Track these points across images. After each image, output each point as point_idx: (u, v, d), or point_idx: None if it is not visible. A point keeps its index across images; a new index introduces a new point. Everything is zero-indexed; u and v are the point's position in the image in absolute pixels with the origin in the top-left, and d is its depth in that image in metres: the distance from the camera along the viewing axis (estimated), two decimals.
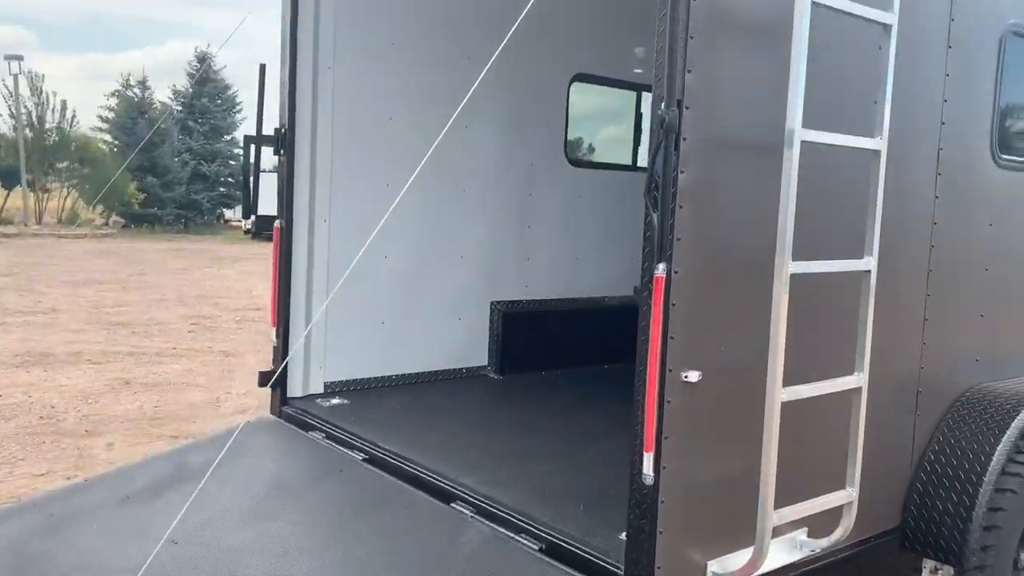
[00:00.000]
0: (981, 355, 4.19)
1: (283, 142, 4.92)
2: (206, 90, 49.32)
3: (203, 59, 49.99)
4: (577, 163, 6.45)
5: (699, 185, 2.84)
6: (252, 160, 5.02)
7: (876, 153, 3.12)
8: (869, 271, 3.14)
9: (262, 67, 4.92)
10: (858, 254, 3.18)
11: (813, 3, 2.78)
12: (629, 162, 6.92)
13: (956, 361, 4.06)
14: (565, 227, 6.38)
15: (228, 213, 53.91)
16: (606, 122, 7.24)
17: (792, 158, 2.79)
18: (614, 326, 6.51)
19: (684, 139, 2.77)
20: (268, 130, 4.97)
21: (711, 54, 2.85)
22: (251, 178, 5.06)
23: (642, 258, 2.84)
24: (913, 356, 3.82)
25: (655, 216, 2.72)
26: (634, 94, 6.88)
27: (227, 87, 50.20)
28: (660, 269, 2.75)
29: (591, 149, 6.83)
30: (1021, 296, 4.37)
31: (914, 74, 3.55)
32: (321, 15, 4.98)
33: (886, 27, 3.10)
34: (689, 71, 2.77)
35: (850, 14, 2.98)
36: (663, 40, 2.74)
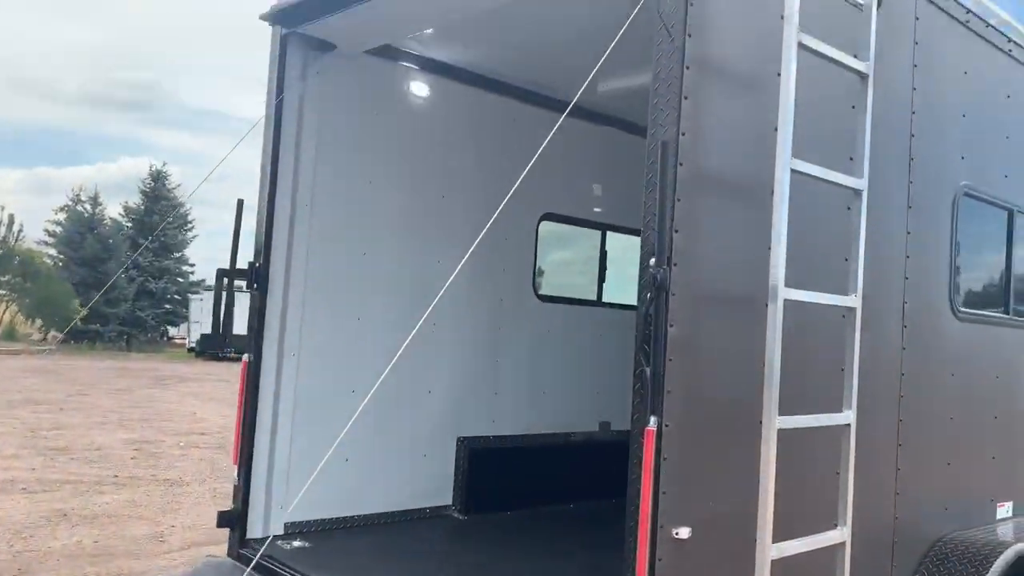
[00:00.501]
0: (950, 503, 4.24)
1: (256, 276, 4.92)
2: (159, 207, 49.39)
3: (157, 177, 50.24)
4: (545, 298, 6.54)
5: (688, 338, 2.90)
6: (225, 293, 4.99)
7: (851, 310, 3.24)
8: (849, 424, 3.20)
9: (239, 201, 4.97)
10: (836, 406, 3.24)
11: (792, 169, 2.94)
12: (595, 297, 7.04)
13: (928, 510, 4.10)
14: (532, 361, 6.40)
15: (173, 330, 53.00)
16: (572, 258, 7.39)
17: (776, 313, 2.89)
18: (579, 464, 6.48)
19: (673, 294, 2.84)
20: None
21: (696, 215, 2.97)
22: (222, 311, 5.01)
23: (631, 411, 2.86)
24: (889, 506, 3.85)
25: (647, 370, 2.75)
26: (599, 232, 7.06)
27: (180, 205, 50.36)
28: (652, 422, 2.77)
29: (558, 285, 6.94)
30: (983, 445, 4.47)
31: (879, 232, 3.72)
32: (302, 153, 5.08)
33: (856, 191, 3.27)
34: (676, 231, 2.88)
35: (824, 180, 3.15)
36: (652, 200, 2.86)
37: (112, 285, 44.16)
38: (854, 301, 3.22)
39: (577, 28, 5.09)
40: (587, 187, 6.86)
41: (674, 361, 2.83)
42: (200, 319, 40.89)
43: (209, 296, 44.56)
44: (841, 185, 3.23)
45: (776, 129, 2.95)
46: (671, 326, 2.83)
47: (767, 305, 2.92)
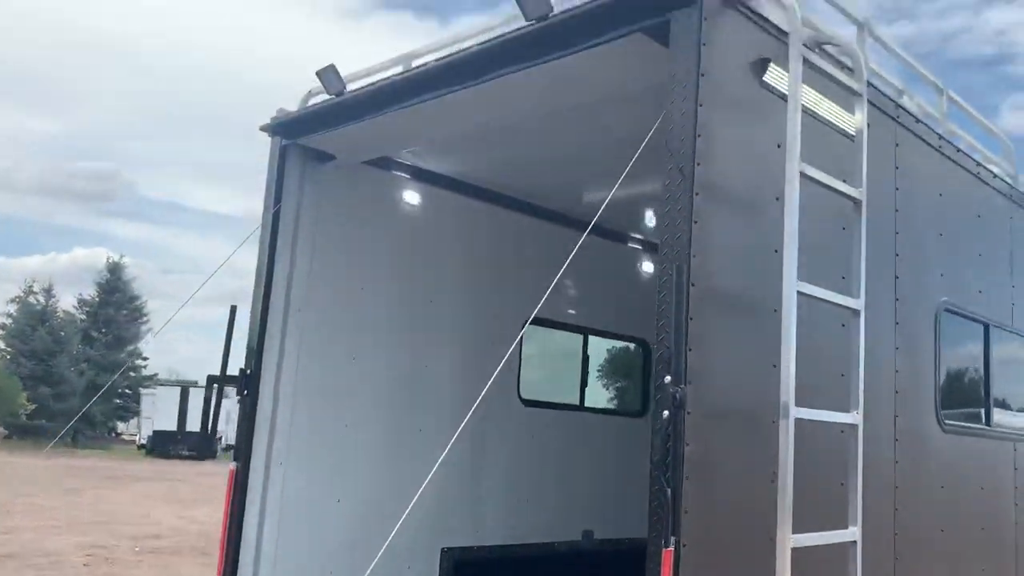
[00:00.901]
0: None
1: (247, 383, 4.88)
2: (113, 299, 48.63)
3: (114, 269, 49.64)
4: (529, 403, 6.55)
5: (703, 456, 2.94)
6: (214, 402, 4.93)
7: (853, 426, 3.32)
8: (855, 541, 3.24)
9: (233, 308, 4.98)
10: (841, 522, 3.28)
11: (798, 292, 3.06)
12: (577, 402, 7.07)
13: None
14: (517, 468, 6.36)
15: (122, 426, 51.46)
16: (555, 363, 7.44)
17: (787, 430, 2.95)
18: (563, 574, 6.38)
19: (688, 412, 2.90)
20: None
21: (708, 333, 3.05)
22: (210, 419, 4.95)
23: (648, 530, 2.87)
24: None
25: (669, 491, 2.77)
26: (581, 337, 7.15)
27: (135, 297, 49.72)
28: (671, 543, 2.78)
29: (543, 390, 6.97)
30: (973, 556, 4.53)
31: (872, 349, 3.84)
32: (297, 259, 5.12)
33: (855, 311, 3.40)
34: (690, 349, 2.96)
35: (826, 300, 3.28)
36: (666, 319, 2.94)
37: (60, 379, 43.06)
38: (855, 418, 3.31)
39: (567, 143, 5.30)
40: (570, 292, 6.97)
41: (691, 480, 2.87)
42: (152, 415, 39.80)
43: (164, 391, 43.75)
44: (841, 305, 3.35)
45: (777, 251, 3.09)
46: (687, 444, 2.87)
47: (774, 422, 2.98)
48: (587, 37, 3.50)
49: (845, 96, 3.62)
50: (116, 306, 47.97)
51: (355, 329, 5.45)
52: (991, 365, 4.90)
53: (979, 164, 4.97)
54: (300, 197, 5.13)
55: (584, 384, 7.11)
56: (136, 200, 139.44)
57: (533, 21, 3.57)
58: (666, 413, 2.84)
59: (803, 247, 3.20)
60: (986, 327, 4.87)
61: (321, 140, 5.02)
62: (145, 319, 50.30)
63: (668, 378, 2.88)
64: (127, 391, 47.75)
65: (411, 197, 5.83)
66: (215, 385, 4.97)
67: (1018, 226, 5.27)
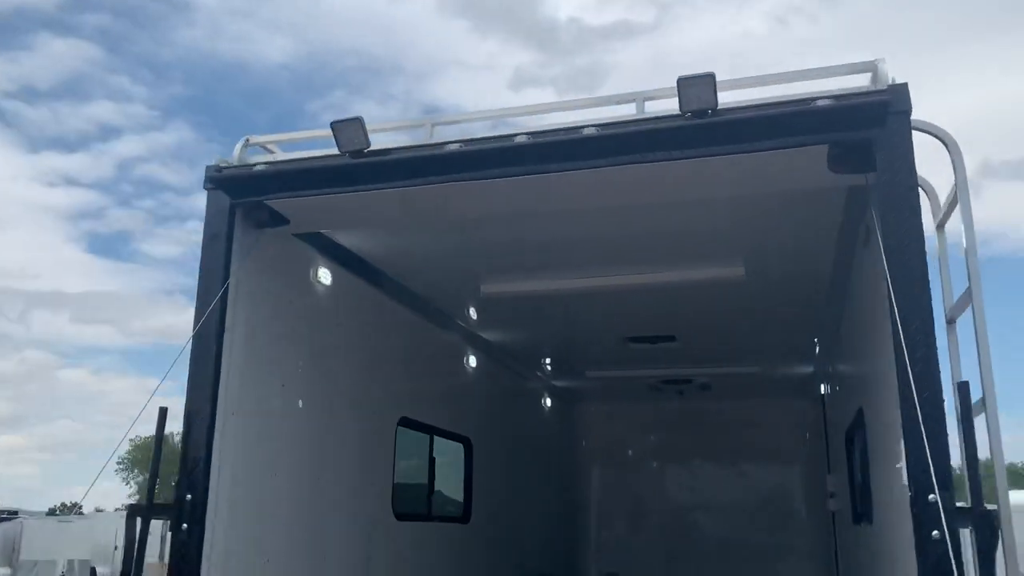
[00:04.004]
0: None
1: (190, 513, 3.65)
2: None
3: None
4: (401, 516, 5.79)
5: None
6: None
7: None
8: None
9: (162, 410, 3.72)
10: None
11: None
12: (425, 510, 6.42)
13: None
14: None
15: None
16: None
17: None
18: None
19: None
20: None
21: None
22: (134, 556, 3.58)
23: None
24: None
25: None
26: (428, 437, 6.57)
27: None
28: None
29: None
30: None
31: None
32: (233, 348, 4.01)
33: None
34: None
35: None
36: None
37: None
38: None
39: None
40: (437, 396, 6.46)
41: None
42: None
43: None
44: None
45: None
46: None
47: None
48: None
49: None
50: None
51: (276, 437, 4.41)
52: None
53: None
54: (240, 270, 4.07)
55: (431, 490, 6.50)
56: None
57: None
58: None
59: None
60: None
61: (284, 201, 4.07)
62: None
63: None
64: None
65: (325, 276, 4.95)
66: (138, 518, 3.62)
67: None
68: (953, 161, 3.30)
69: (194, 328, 3.86)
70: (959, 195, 3.27)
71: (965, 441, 2.86)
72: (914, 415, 2.91)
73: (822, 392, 8.49)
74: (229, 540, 3.88)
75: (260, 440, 4.21)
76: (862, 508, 5.39)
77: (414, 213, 4.13)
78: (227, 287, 3.90)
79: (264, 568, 4.22)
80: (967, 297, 3.19)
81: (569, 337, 7.49)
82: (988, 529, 2.73)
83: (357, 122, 3.71)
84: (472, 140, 3.70)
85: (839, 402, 7.04)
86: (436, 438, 6.52)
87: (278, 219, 4.18)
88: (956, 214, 3.28)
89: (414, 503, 6.18)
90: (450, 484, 6.96)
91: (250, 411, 4.10)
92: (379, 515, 5.48)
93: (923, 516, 2.87)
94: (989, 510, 2.78)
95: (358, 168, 3.79)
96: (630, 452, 10.64)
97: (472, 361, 7.20)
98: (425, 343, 6.40)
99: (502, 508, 7.68)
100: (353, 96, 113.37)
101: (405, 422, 5.91)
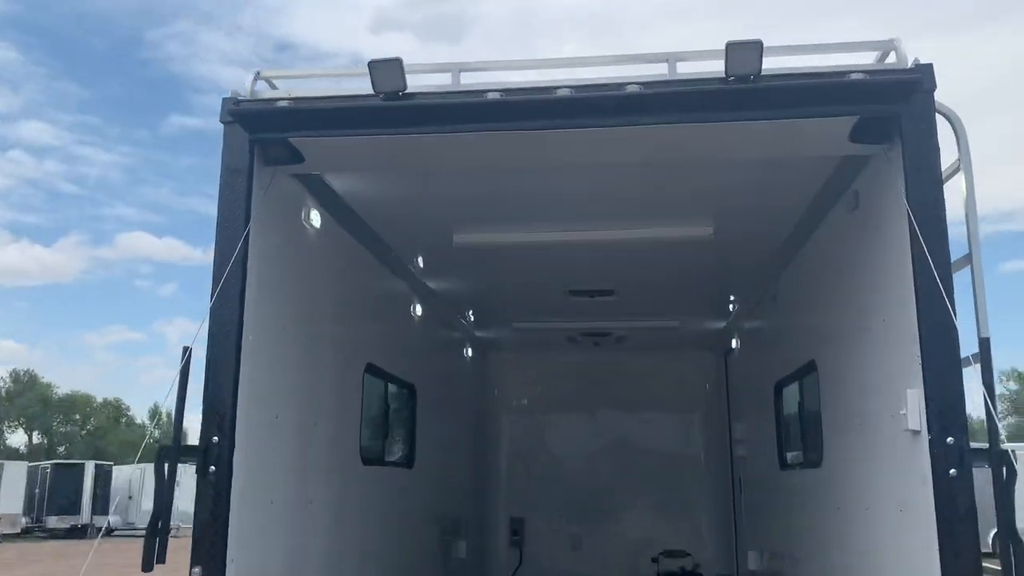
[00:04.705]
0: None
1: (217, 457, 3.58)
2: None
3: None
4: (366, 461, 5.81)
5: None
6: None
7: None
8: None
9: (186, 350, 3.60)
10: None
11: None
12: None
13: None
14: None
15: None
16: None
17: None
18: None
19: None
20: None
21: None
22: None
23: None
24: None
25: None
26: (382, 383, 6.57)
27: None
28: None
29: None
30: None
31: None
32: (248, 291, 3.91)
33: None
34: None
35: None
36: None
37: None
38: None
39: None
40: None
41: None
42: None
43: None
44: None
45: None
46: None
47: None
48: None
49: None
50: None
51: (279, 380, 4.35)
52: None
53: None
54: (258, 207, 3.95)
55: (387, 436, 6.54)
56: None
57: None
58: None
59: None
60: None
61: (302, 140, 3.97)
62: None
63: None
64: None
65: (315, 219, 4.85)
66: (165, 462, 3.51)
67: None
68: (956, 133, 3.65)
69: (214, 267, 3.75)
70: (962, 164, 3.63)
71: (984, 384, 3.22)
72: (933, 362, 3.26)
73: (733, 346, 9.03)
74: (245, 484, 3.83)
75: (269, 384, 4.15)
76: (806, 454, 5.87)
77: (441, 160, 4.12)
78: (249, 227, 3.80)
79: (269, 510, 4.18)
80: (966, 259, 3.56)
81: (513, 288, 7.61)
82: (1007, 467, 3.11)
83: (396, 63, 3.66)
84: (513, 90, 3.73)
85: (763, 354, 7.54)
86: (388, 384, 6.55)
87: (296, 157, 4.07)
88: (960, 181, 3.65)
89: (375, 449, 6.21)
90: (396, 431, 7.01)
91: (261, 355, 4.02)
92: (350, 460, 5.49)
93: (941, 456, 3.23)
94: (1004, 450, 3.15)
95: (392, 110, 3.75)
96: (540, 401, 10.92)
97: (419, 310, 7.23)
98: (384, 290, 6.39)
99: (436, 455, 7.80)
100: (199, 27, 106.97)
101: (370, 368, 5.91)
